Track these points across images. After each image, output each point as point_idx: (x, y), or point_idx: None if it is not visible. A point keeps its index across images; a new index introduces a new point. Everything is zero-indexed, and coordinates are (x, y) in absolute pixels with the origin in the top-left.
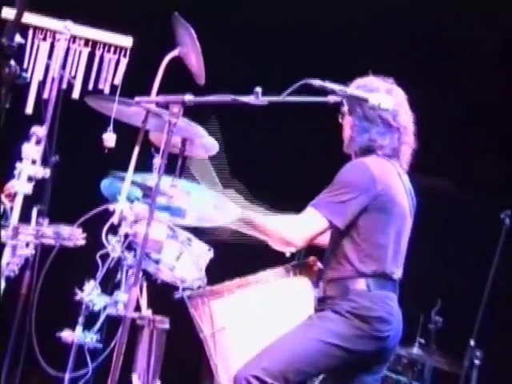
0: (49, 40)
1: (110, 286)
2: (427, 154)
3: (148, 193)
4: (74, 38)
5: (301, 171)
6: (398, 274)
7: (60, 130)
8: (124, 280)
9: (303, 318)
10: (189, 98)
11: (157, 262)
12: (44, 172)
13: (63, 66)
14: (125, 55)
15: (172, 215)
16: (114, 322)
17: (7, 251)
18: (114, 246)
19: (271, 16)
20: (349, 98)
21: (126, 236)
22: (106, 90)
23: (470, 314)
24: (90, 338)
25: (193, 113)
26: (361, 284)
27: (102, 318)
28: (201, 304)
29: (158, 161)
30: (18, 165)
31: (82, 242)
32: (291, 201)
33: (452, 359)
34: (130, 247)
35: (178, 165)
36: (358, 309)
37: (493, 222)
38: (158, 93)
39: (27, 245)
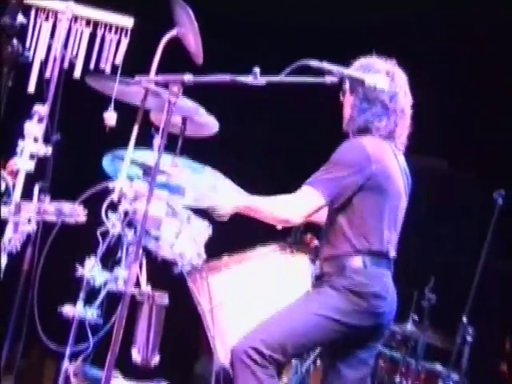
0: (51, 20)
1: (110, 262)
2: (421, 134)
3: (148, 171)
4: (75, 18)
5: (297, 152)
6: (392, 251)
7: (62, 109)
8: (124, 256)
9: (300, 293)
10: (188, 77)
11: (156, 238)
12: (46, 150)
13: (65, 46)
14: (126, 35)
15: (171, 193)
16: (114, 298)
17: (9, 227)
18: (113, 223)
19: None
20: (348, 78)
21: (126, 213)
22: (107, 70)
23: (462, 291)
24: (91, 313)
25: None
26: (357, 261)
27: (103, 293)
28: (199, 279)
29: (158, 140)
30: (20, 142)
31: (82, 219)
32: (286, 182)
33: (445, 335)
34: (130, 224)
35: (178, 144)
36: (354, 285)
37: (486, 202)
38: (158, 73)
39: (29, 221)
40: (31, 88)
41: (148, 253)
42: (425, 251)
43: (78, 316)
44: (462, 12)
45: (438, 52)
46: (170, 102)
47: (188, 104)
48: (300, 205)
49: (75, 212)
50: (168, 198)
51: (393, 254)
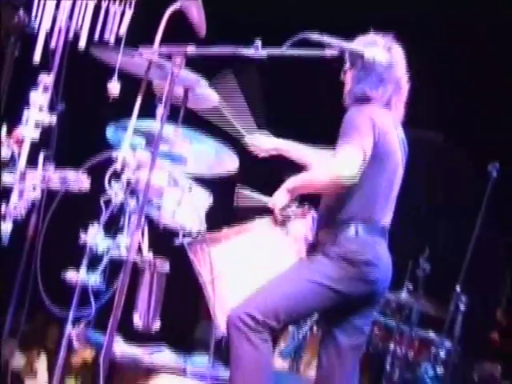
0: None
1: (112, 229)
2: (416, 107)
3: (150, 140)
4: None
5: (297, 122)
6: (387, 220)
7: (66, 79)
8: (126, 224)
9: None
10: (191, 49)
11: (158, 207)
12: (51, 119)
13: (70, 17)
14: (130, 7)
15: (173, 162)
16: (116, 264)
17: (15, 194)
18: (116, 191)
19: None
20: (348, 52)
21: (129, 182)
22: (111, 41)
23: (456, 261)
24: (94, 279)
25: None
26: (350, 229)
27: (105, 260)
28: (200, 250)
29: (160, 110)
30: (25, 111)
31: (86, 187)
32: None
33: (438, 304)
34: (132, 193)
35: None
36: (346, 253)
37: (480, 174)
38: (161, 44)
39: (34, 188)
40: (37, 58)
41: (150, 221)
42: (420, 222)
43: (81, 282)
44: None
45: (434, 23)
46: (173, 73)
47: (190, 75)
48: (349, 159)
49: (79, 180)
50: (170, 167)
51: (387, 222)
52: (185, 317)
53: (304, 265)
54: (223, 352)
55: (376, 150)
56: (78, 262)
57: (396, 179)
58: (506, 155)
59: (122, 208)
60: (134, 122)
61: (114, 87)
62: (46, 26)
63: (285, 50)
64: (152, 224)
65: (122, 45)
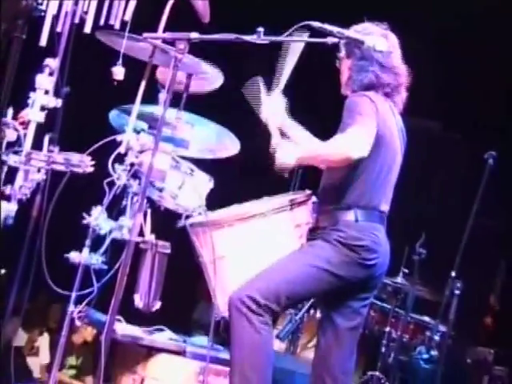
0: None
1: (115, 211)
2: (414, 95)
3: (153, 124)
4: None
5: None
6: (385, 206)
7: (72, 63)
8: (129, 206)
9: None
10: (194, 35)
11: (160, 190)
12: (56, 102)
13: (76, 2)
14: None
15: (176, 146)
16: (118, 246)
17: (20, 176)
18: (120, 174)
19: None
20: (346, 41)
21: (132, 165)
22: (117, 26)
23: (451, 247)
24: (96, 260)
25: None
26: (349, 215)
27: (108, 241)
28: (202, 233)
29: (163, 95)
30: (31, 94)
31: (90, 169)
32: None
33: (433, 289)
34: (135, 176)
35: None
36: (345, 238)
37: (477, 162)
38: (166, 31)
39: (39, 170)
40: (43, 42)
41: (152, 203)
42: (417, 209)
43: (84, 262)
44: None
45: (433, 13)
46: (177, 59)
47: (193, 61)
48: (360, 139)
49: (83, 162)
50: (172, 150)
51: (385, 208)
52: (184, 298)
53: (305, 250)
54: (222, 333)
55: (377, 134)
56: (80, 243)
57: (395, 166)
58: (503, 143)
59: (124, 190)
60: (137, 106)
61: (119, 71)
62: (52, 10)
63: (286, 38)
64: (154, 206)
65: (127, 30)
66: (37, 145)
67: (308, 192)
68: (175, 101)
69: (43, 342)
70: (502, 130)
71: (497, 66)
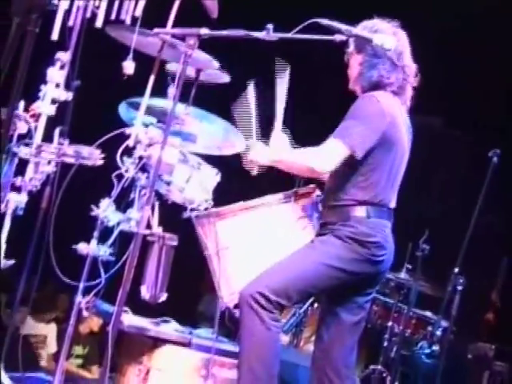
0: None
1: (123, 203)
2: (418, 92)
3: (162, 118)
4: None
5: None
6: (393, 203)
7: (83, 57)
8: (137, 199)
9: (302, 241)
10: (204, 31)
11: (168, 183)
12: (67, 95)
13: None
14: None
15: (184, 140)
16: (126, 238)
17: (30, 167)
18: (128, 167)
19: None
20: (356, 37)
21: (141, 158)
22: (127, 21)
23: (455, 243)
24: (104, 251)
25: None
26: (361, 211)
27: (116, 233)
28: (207, 224)
29: (172, 90)
30: (42, 87)
31: (99, 162)
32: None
33: (436, 285)
34: (143, 169)
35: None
36: (357, 234)
37: (481, 160)
38: (175, 26)
39: (49, 162)
40: (55, 36)
41: (160, 196)
42: (421, 205)
43: (92, 253)
44: None
45: (438, 12)
46: (186, 54)
47: (202, 56)
48: (329, 155)
49: (92, 155)
50: (180, 145)
51: (393, 204)
52: (190, 290)
53: (315, 246)
54: (227, 323)
55: (386, 138)
56: (89, 234)
57: (402, 164)
58: (504, 142)
59: (133, 183)
60: (146, 99)
61: (129, 66)
62: (64, 4)
63: (295, 35)
64: (162, 199)
65: (138, 25)
66: (47, 137)
67: (312, 185)
68: (184, 95)
69: (50, 331)
70: (502, 130)
71: (497, 66)
